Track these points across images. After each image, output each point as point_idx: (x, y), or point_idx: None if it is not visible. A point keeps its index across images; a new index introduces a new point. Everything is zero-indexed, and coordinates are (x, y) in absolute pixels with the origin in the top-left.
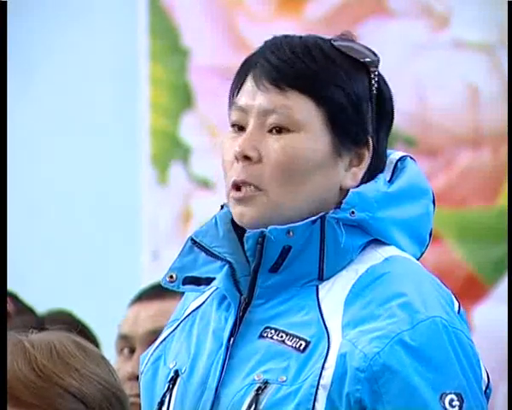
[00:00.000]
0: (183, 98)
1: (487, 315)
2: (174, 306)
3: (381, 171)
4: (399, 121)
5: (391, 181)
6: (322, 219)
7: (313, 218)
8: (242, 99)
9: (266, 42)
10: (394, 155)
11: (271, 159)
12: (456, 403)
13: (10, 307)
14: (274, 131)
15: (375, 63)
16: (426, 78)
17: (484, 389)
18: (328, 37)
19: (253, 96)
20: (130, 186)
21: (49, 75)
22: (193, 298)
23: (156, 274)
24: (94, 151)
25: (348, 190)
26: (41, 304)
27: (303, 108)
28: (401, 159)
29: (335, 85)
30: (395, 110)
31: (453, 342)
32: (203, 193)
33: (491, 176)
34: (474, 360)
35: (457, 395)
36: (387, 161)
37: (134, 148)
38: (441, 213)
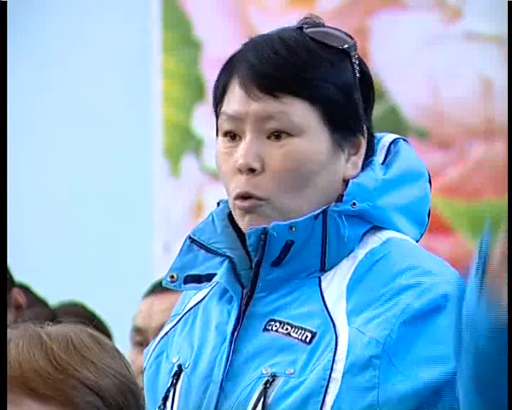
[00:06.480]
0: (196, 90)
1: None
2: None
3: (373, 153)
4: (412, 113)
5: (384, 164)
6: (324, 213)
7: (315, 212)
8: (233, 107)
9: (245, 44)
10: (386, 137)
11: (275, 167)
12: None
13: (22, 299)
14: (273, 136)
15: (354, 47)
16: (438, 70)
17: None
18: (297, 25)
19: (245, 103)
20: (143, 178)
21: (62, 67)
22: (193, 293)
23: (168, 266)
24: (106, 143)
25: (349, 180)
26: (53, 296)
27: (299, 111)
28: (394, 142)
29: (326, 81)
30: (407, 103)
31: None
32: (215, 185)
33: (504, 167)
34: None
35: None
36: (380, 145)
37: (146, 140)
38: (454, 205)
